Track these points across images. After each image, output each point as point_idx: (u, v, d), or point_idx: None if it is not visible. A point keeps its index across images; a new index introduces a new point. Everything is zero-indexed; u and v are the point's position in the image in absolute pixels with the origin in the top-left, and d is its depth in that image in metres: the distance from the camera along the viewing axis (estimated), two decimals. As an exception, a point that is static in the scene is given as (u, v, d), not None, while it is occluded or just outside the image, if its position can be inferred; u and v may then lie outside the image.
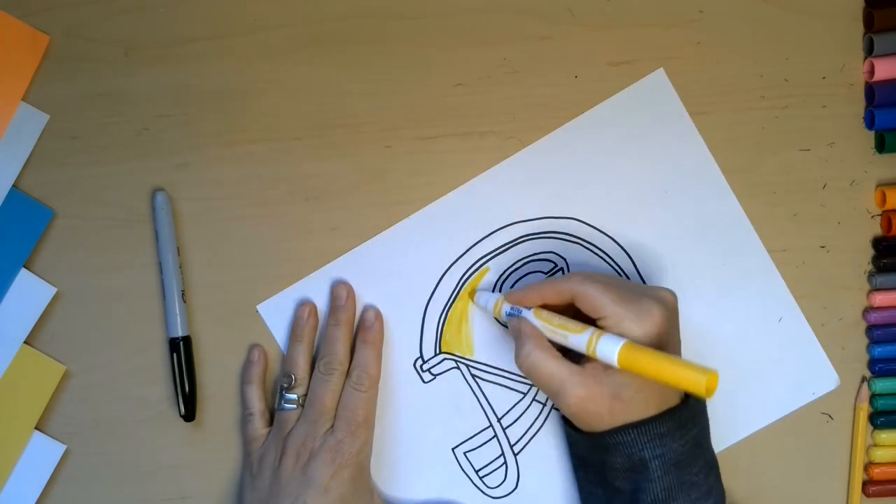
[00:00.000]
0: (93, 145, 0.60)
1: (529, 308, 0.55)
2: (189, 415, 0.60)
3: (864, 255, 0.61)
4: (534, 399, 0.60)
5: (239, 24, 0.60)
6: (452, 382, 0.60)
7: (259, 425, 0.59)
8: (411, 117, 0.60)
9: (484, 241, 0.60)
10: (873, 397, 0.61)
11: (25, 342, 0.59)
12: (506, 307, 0.56)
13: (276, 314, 0.60)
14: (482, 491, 0.60)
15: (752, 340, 0.60)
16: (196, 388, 0.60)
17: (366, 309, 0.60)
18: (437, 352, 0.60)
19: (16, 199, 0.59)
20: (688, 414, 0.52)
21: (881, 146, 0.60)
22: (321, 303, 0.60)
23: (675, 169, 0.60)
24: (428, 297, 0.60)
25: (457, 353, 0.60)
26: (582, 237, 0.60)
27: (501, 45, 0.60)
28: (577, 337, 0.51)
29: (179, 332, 0.59)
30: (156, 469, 0.61)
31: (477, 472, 0.60)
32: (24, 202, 0.59)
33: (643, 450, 0.51)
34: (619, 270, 0.60)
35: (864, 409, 0.61)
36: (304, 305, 0.60)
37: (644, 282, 0.60)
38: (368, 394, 0.58)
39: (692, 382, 0.45)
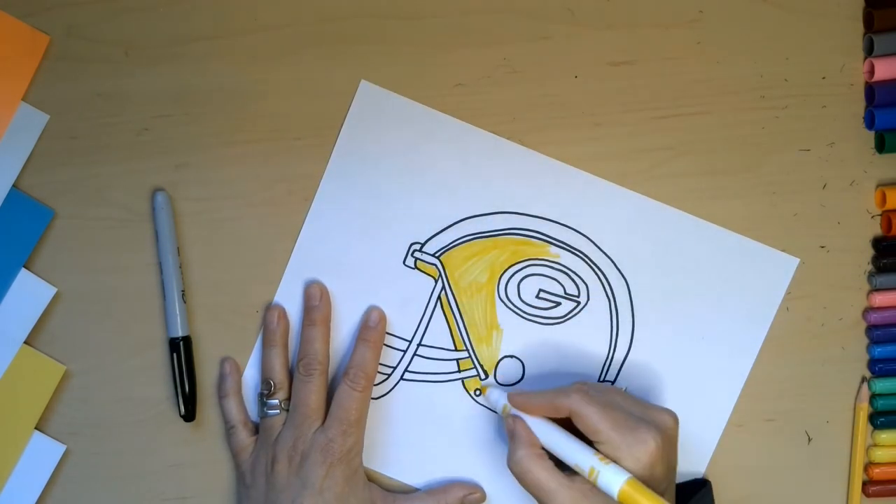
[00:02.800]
0: (93, 145, 0.60)
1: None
2: (189, 415, 0.60)
3: (864, 255, 0.61)
4: (457, 360, 0.60)
5: (239, 24, 0.60)
6: (420, 286, 0.60)
7: (244, 436, 0.59)
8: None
9: (546, 222, 0.60)
10: (873, 397, 0.61)
11: (25, 342, 0.59)
12: (497, 396, 0.57)
13: (367, 104, 0.60)
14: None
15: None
16: (196, 388, 0.60)
17: (371, 309, 0.60)
18: (438, 256, 0.60)
19: (16, 199, 0.59)
20: None
21: (881, 146, 0.60)
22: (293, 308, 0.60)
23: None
24: (476, 214, 0.60)
25: (448, 273, 0.60)
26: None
27: (501, 45, 0.60)
28: (581, 460, 0.51)
29: (179, 332, 0.59)
30: (156, 469, 0.61)
31: None
32: (24, 202, 0.59)
33: None
34: (611, 294, 0.60)
35: (864, 409, 0.61)
36: (273, 310, 0.60)
37: (632, 304, 0.60)
38: (364, 393, 0.57)
39: None
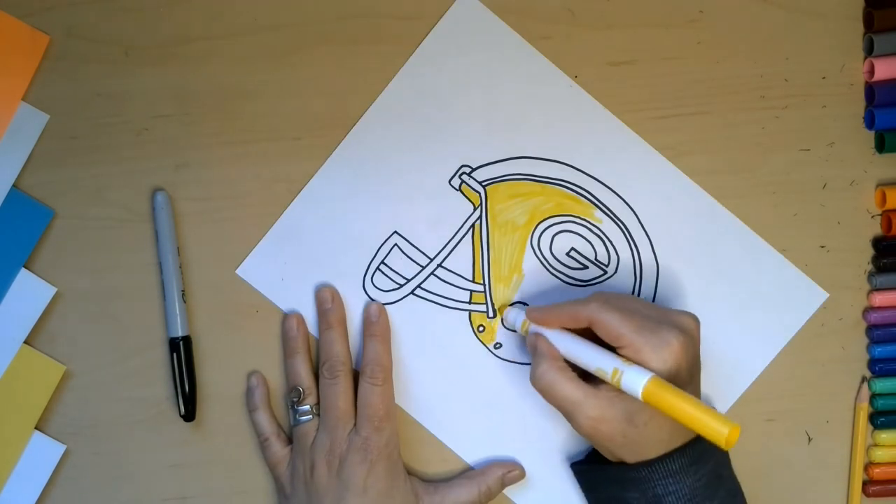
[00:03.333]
0: (93, 145, 0.60)
1: (550, 329, 0.55)
2: (189, 415, 0.60)
3: (864, 255, 0.61)
4: (471, 291, 0.60)
5: (239, 24, 0.60)
6: (458, 209, 0.60)
7: (278, 447, 0.59)
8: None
9: (600, 185, 0.60)
10: (873, 397, 0.61)
11: (25, 342, 0.59)
12: (515, 315, 0.57)
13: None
14: (365, 276, 0.60)
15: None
16: (196, 388, 0.60)
17: (368, 305, 0.60)
18: (484, 185, 0.60)
19: (16, 199, 0.59)
20: (700, 449, 0.52)
21: (881, 146, 0.60)
22: (308, 313, 0.60)
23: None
24: (536, 156, 0.60)
25: (488, 206, 0.60)
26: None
27: (501, 45, 0.60)
28: (602, 366, 0.51)
29: (179, 332, 0.59)
30: (156, 469, 0.61)
31: (382, 262, 0.60)
32: (24, 202, 0.59)
33: (656, 486, 0.51)
34: (639, 270, 0.60)
35: (864, 409, 0.61)
36: (290, 318, 0.60)
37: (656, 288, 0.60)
38: (384, 387, 0.57)
39: (712, 432, 0.46)
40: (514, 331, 0.60)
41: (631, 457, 0.52)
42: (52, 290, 0.60)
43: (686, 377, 0.51)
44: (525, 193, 0.60)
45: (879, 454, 0.61)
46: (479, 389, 0.61)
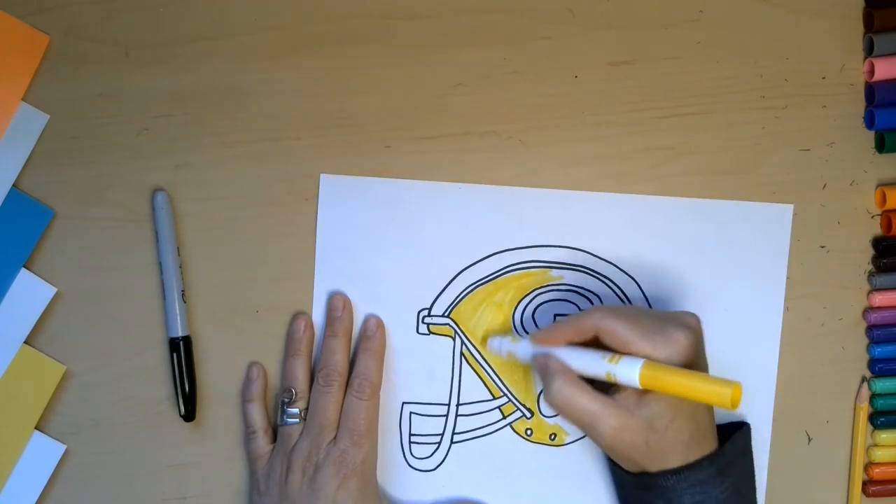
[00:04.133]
0: (93, 145, 0.60)
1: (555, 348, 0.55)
2: (189, 415, 0.60)
3: (864, 255, 0.61)
4: (498, 407, 0.61)
5: (239, 24, 0.60)
6: (441, 347, 0.60)
7: (263, 443, 0.59)
8: (411, 117, 0.60)
9: (549, 248, 0.60)
10: (873, 397, 0.61)
11: (25, 342, 0.59)
12: (528, 348, 0.56)
13: (333, 194, 0.60)
14: (403, 452, 0.60)
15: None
16: (196, 388, 0.60)
17: (367, 318, 0.60)
18: (446, 314, 0.60)
19: (16, 199, 0.59)
20: (726, 460, 0.52)
21: (881, 146, 0.60)
22: (318, 317, 0.60)
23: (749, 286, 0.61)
24: (471, 263, 0.60)
25: (461, 327, 0.60)
26: (623, 292, 0.61)
27: (501, 45, 0.60)
28: (597, 366, 0.51)
29: (179, 332, 0.59)
30: (156, 469, 0.61)
31: (411, 434, 0.60)
32: (24, 202, 0.59)
33: (682, 496, 0.51)
34: (623, 296, 0.60)
35: (864, 409, 0.61)
36: (299, 319, 0.60)
37: (648, 301, 0.60)
38: (370, 402, 0.57)
39: (716, 395, 0.46)
40: (503, 356, 0.59)
41: (654, 465, 0.52)
42: (52, 290, 0.60)
43: (695, 369, 0.51)
44: (485, 298, 0.60)
45: (879, 454, 0.61)
46: (550, 485, 0.61)
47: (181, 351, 0.59)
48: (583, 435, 0.60)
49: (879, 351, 0.61)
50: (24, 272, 0.59)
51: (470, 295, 0.61)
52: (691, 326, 0.52)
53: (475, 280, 0.60)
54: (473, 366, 0.61)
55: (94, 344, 0.60)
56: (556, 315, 0.60)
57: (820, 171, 0.61)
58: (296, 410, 0.58)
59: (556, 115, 0.60)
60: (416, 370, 0.60)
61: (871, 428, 0.62)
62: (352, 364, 0.59)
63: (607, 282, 0.60)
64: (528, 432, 0.61)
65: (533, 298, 0.61)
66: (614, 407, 0.51)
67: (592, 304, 0.60)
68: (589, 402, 0.51)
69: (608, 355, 0.51)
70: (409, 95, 0.60)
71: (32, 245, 0.60)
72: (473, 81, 0.60)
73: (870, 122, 0.60)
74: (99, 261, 0.60)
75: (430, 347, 0.60)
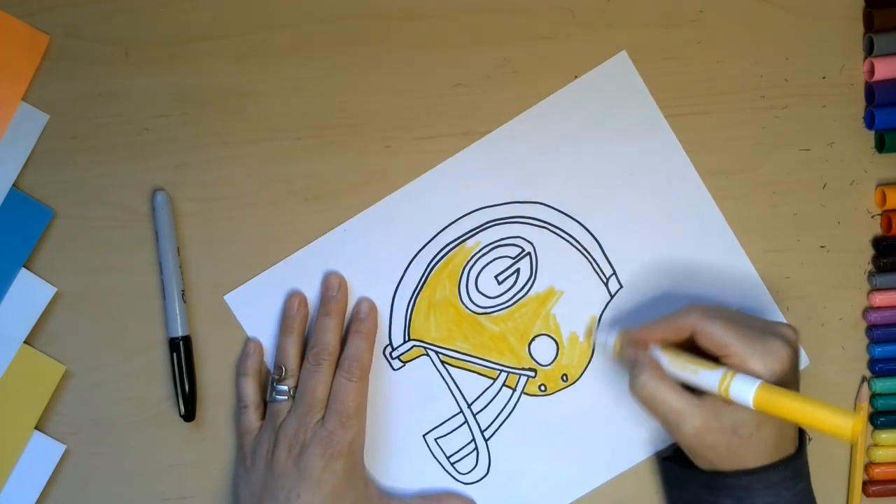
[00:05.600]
0: (93, 145, 0.60)
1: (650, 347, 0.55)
2: (189, 415, 0.60)
3: (864, 255, 0.61)
4: (503, 385, 0.60)
5: (239, 24, 0.60)
6: (422, 369, 0.60)
7: (253, 418, 0.59)
8: (411, 117, 0.60)
9: (450, 227, 0.60)
10: (873, 397, 0.61)
11: (25, 342, 0.59)
12: (605, 337, 0.57)
13: (244, 304, 0.60)
14: (454, 477, 0.60)
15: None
16: (196, 388, 0.60)
17: (360, 300, 0.60)
18: (406, 339, 0.60)
19: (16, 199, 0.59)
20: (802, 464, 0.53)
21: (881, 146, 0.60)
22: (311, 294, 0.60)
23: (641, 151, 0.60)
24: (396, 285, 0.60)
25: (426, 341, 0.60)
26: (549, 221, 0.60)
27: (501, 45, 0.60)
28: (709, 375, 0.51)
29: (179, 332, 0.59)
30: (156, 469, 0.61)
31: (448, 458, 0.60)
32: (24, 202, 0.59)
33: (754, 496, 0.51)
34: (587, 254, 0.60)
35: (864, 409, 0.61)
36: (294, 297, 0.60)
37: (612, 265, 0.60)
38: (360, 384, 0.57)
39: (836, 426, 0.45)
40: (609, 351, 0.59)
41: (729, 466, 0.52)
42: (52, 290, 0.60)
43: (792, 387, 0.51)
44: (427, 304, 0.60)
45: (879, 454, 0.61)
46: (590, 422, 0.61)
47: (181, 351, 0.59)
48: (585, 366, 0.60)
49: (879, 351, 0.61)
50: (24, 272, 0.59)
51: (415, 307, 0.60)
52: (790, 339, 0.52)
53: (410, 293, 0.60)
54: (458, 365, 0.61)
55: (94, 344, 0.60)
56: (496, 276, 0.60)
57: (820, 171, 0.61)
58: (285, 388, 0.58)
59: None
60: (414, 401, 0.60)
61: (871, 428, 0.62)
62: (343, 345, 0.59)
63: (517, 221, 0.60)
64: (542, 388, 0.61)
65: (467, 276, 0.60)
66: (700, 407, 0.51)
67: (522, 249, 0.60)
68: (675, 398, 0.51)
69: (722, 368, 0.50)
70: (409, 95, 0.60)
71: (32, 245, 0.60)
72: (473, 81, 0.60)
73: (870, 122, 0.60)
74: (99, 261, 0.60)
75: (412, 375, 0.60)
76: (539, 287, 0.60)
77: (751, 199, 0.61)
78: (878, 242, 0.61)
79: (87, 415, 0.60)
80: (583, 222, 0.60)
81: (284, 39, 0.60)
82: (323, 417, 0.56)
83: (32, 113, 0.59)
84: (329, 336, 0.58)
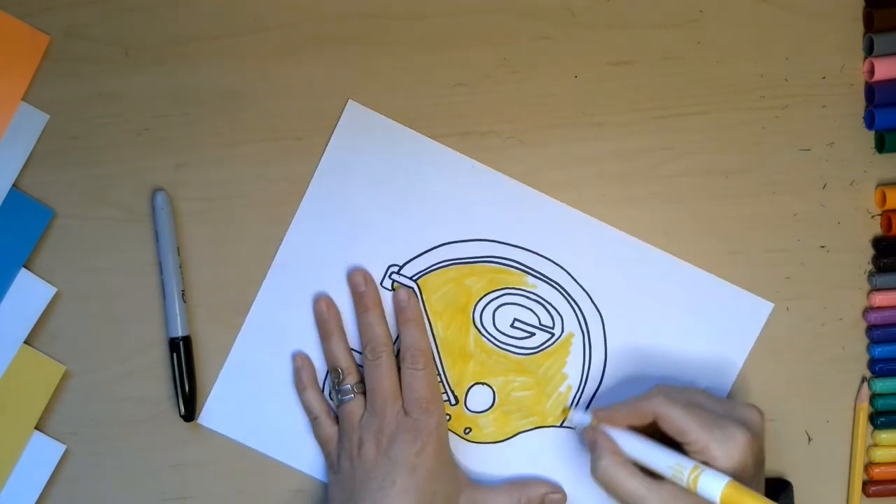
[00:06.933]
0: (93, 145, 0.60)
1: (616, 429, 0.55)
2: (189, 415, 0.60)
3: (864, 255, 0.61)
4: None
5: (239, 24, 0.60)
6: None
7: (328, 425, 0.59)
8: (411, 117, 0.60)
9: (525, 252, 0.60)
10: (873, 397, 0.61)
11: (25, 342, 0.59)
12: (581, 417, 0.57)
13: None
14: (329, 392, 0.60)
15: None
16: (196, 388, 0.60)
17: (397, 291, 0.60)
18: (415, 279, 0.60)
19: (16, 199, 0.59)
20: None
21: (881, 146, 0.60)
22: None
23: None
24: (456, 240, 0.60)
25: (423, 298, 0.60)
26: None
27: (501, 45, 0.60)
28: (672, 466, 0.51)
29: (179, 332, 0.59)
30: (156, 469, 0.61)
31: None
32: (24, 202, 0.59)
33: None
34: (585, 328, 0.61)
35: (864, 409, 0.61)
36: (319, 301, 0.60)
37: (606, 340, 0.60)
38: (427, 370, 0.57)
39: None
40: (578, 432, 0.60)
41: None
42: (53, 290, 0.60)
43: (752, 473, 0.51)
44: (457, 277, 0.60)
45: (879, 454, 0.61)
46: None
47: (181, 351, 0.59)
48: (492, 441, 0.61)
49: (879, 351, 0.61)
50: (24, 272, 0.59)
51: (443, 269, 0.60)
52: (752, 424, 0.52)
53: (454, 257, 0.60)
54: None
55: (94, 344, 0.60)
56: (515, 319, 0.60)
57: (820, 171, 0.61)
58: (348, 386, 0.58)
59: (556, 115, 0.60)
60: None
61: (871, 428, 0.62)
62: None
63: (575, 307, 0.60)
64: (447, 417, 0.60)
65: (501, 295, 0.60)
66: (659, 493, 0.52)
67: (553, 323, 0.60)
68: (636, 484, 0.52)
69: (691, 465, 0.51)
70: (409, 95, 0.60)
71: (32, 245, 0.60)
72: (473, 81, 0.60)
73: (870, 122, 0.60)
74: (99, 261, 0.60)
75: (387, 302, 0.60)
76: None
77: (751, 199, 0.61)
78: (878, 242, 0.61)
79: (87, 415, 0.60)
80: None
81: (284, 39, 0.60)
82: (403, 408, 0.57)
83: (32, 113, 0.59)
84: (377, 329, 0.58)
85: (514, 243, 0.60)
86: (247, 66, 0.60)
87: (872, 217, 0.61)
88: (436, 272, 0.60)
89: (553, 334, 0.60)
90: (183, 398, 0.59)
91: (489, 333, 0.60)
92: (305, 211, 0.60)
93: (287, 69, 0.60)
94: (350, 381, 0.58)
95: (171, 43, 0.60)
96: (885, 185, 0.61)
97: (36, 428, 0.60)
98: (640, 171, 0.60)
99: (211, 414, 0.60)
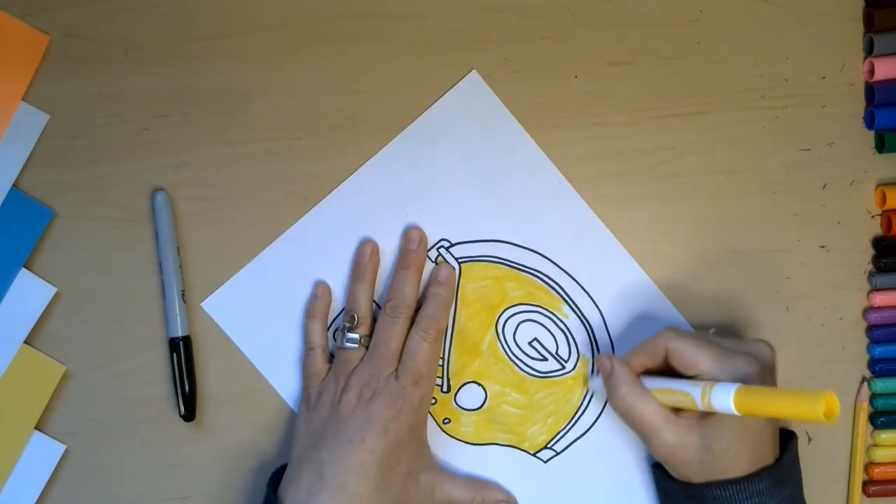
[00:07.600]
0: (93, 145, 0.60)
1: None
2: (189, 415, 0.60)
3: (864, 255, 0.61)
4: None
5: (239, 24, 0.60)
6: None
7: (320, 360, 0.59)
8: (411, 117, 0.60)
9: (575, 283, 0.60)
10: (873, 397, 0.61)
11: (25, 342, 0.59)
12: (601, 384, 0.57)
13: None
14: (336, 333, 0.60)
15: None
16: (196, 388, 0.60)
17: (439, 266, 0.60)
18: (459, 262, 0.60)
19: (16, 199, 0.59)
20: (784, 471, 0.53)
21: (881, 146, 0.60)
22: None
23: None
24: (516, 243, 0.60)
25: (460, 282, 0.60)
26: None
27: (501, 45, 0.60)
28: (689, 392, 0.51)
29: (179, 332, 0.59)
30: (156, 469, 0.61)
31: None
32: (24, 202, 0.59)
33: None
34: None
35: (864, 409, 0.61)
36: (367, 244, 0.59)
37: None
38: (434, 345, 0.57)
39: (808, 411, 0.44)
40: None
41: (705, 479, 0.52)
42: (52, 290, 0.60)
43: None
44: (498, 277, 0.60)
45: (879, 454, 0.61)
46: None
47: (181, 351, 0.59)
48: (474, 443, 0.61)
49: (879, 351, 0.61)
50: (24, 272, 0.59)
51: (489, 264, 0.60)
52: (763, 358, 0.53)
53: (505, 257, 0.60)
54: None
55: (94, 344, 0.60)
56: (535, 338, 0.60)
57: (820, 171, 0.61)
58: (356, 336, 0.58)
59: (556, 115, 0.60)
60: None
61: (871, 428, 0.62)
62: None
63: (595, 351, 0.60)
64: (432, 401, 0.60)
65: (532, 311, 0.60)
66: (675, 423, 0.52)
67: (569, 357, 0.60)
68: (653, 413, 0.53)
69: (701, 385, 0.51)
70: (409, 95, 0.60)
71: (32, 245, 0.60)
72: (473, 81, 0.60)
73: (870, 122, 0.60)
74: (99, 261, 0.60)
75: (425, 273, 0.60)
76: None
77: (751, 199, 0.61)
78: (878, 242, 0.61)
79: (87, 415, 0.60)
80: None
81: (284, 39, 0.60)
82: (396, 372, 0.56)
83: (32, 113, 0.59)
84: (408, 290, 0.58)
85: (567, 270, 0.60)
86: (246, 66, 0.60)
87: (872, 217, 0.61)
88: (482, 263, 0.60)
89: (564, 367, 0.61)
90: (183, 398, 0.59)
91: (506, 341, 0.60)
92: (388, 153, 0.60)
93: (286, 69, 0.60)
94: (361, 331, 0.58)
95: (171, 43, 0.60)
96: (885, 185, 0.61)
97: (36, 428, 0.60)
98: (640, 171, 0.60)
99: (217, 303, 0.60)
